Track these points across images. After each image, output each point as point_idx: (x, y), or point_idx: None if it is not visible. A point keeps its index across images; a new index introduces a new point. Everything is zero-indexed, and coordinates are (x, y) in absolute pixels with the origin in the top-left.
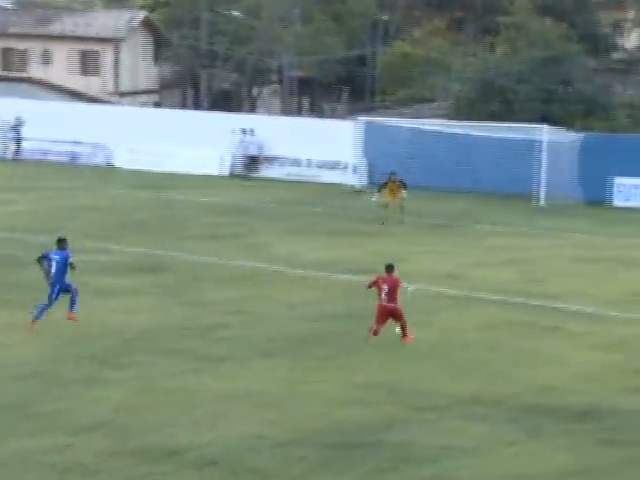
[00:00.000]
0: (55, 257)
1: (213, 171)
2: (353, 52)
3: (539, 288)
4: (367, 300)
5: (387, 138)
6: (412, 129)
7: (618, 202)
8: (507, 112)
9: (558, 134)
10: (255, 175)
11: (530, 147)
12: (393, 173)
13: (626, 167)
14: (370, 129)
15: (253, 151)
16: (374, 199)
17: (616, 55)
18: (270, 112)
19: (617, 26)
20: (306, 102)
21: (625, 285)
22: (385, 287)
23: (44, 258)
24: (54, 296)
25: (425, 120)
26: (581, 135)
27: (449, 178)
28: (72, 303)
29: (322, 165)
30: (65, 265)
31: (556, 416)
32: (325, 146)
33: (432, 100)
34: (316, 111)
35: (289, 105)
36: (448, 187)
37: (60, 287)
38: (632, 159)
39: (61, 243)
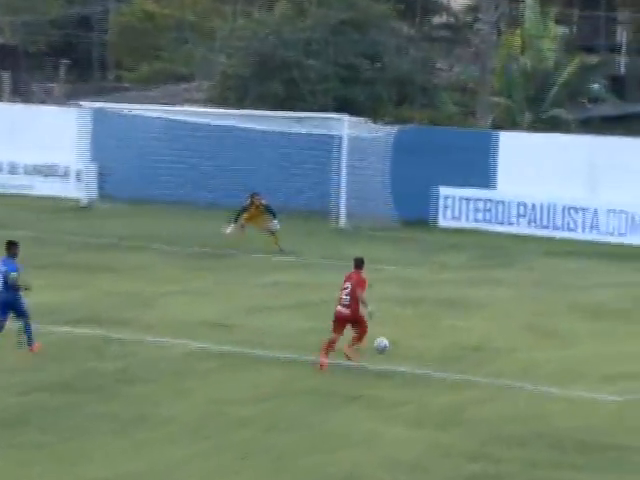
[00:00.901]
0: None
1: None
2: (74, 10)
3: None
4: (95, 363)
5: (126, 133)
6: (163, 120)
7: (444, 221)
8: (293, 96)
9: (362, 127)
10: None
11: (325, 146)
12: (256, 194)
13: (454, 173)
14: (100, 119)
15: None
16: (228, 231)
17: (439, 19)
18: None
19: None
20: (6, 80)
21: (452, 335)
22: (347, 285)
23: None
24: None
25: (180, 108)
26: (394, 129)
27: (218, 190)
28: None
29: (31, 171)
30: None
31: None
32: (36, 144)
33: (189, 78)
34: (21, 93)
35: None
36: (216, 202)
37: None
38: (462, 162)
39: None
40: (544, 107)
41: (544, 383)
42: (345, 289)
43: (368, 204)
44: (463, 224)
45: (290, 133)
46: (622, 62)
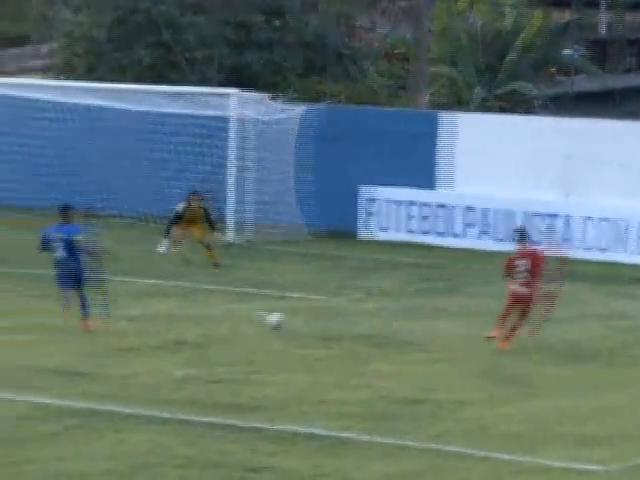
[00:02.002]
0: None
1: None
2: None
3: None
4: None
5: None
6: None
7: (368, 232)
8: (164, 65)
9: (258, 106)
10: None
11: (208, 131)
12: (195, 193)
13: (382, 168)
14: None
15: None
16: (162, 250)
17: None
18: None
19: None
20: None
21: (380, 384)
22: (521, 263)
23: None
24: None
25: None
26: (300, 107)
27: (63, 191)
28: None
29: None
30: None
31: None
32: None
33: (23, 41)
34: None
35: None
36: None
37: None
38: (393, 153)
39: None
40: (500, 79)
41: (503, 449)
42: (520, 266)
43: (268, 210)
44: (393, 236)
45: (161, 115)
46: (603, 20)
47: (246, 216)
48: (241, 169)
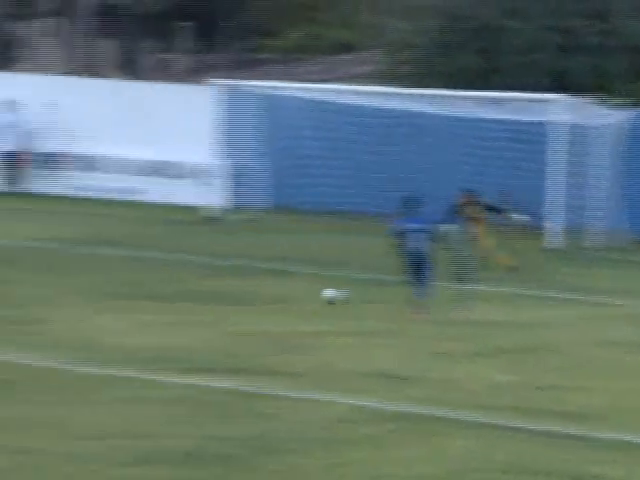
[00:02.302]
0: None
1: None
2: None
3: None
4: (224, 426)
5: (267, 120)
6: (315, 102)
7: None
8: (490, 71)
9: (585, 111)
10: (20, 189)
11: (533, 137)
12: (469, 191)
13: None
14: (238, 102)
15: (15, 143)
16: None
17: None
18: (43, 68)
19: None
20: (111, 50)
21: None
22: None
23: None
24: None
25: (338, 87)
26: (629, 113)
27: (387, 197)
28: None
29: (148, 170)
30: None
31: None
32: (152, 134)
33: (352, 48)
34: (130, 67)
35: (79, 56)
36: (385, 211)
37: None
38: None
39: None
40: None
41: None
42: None
43: (592, 215)
44: None
45: (485, 120)
46: None
47: (571, 221)
48: (569, 174)
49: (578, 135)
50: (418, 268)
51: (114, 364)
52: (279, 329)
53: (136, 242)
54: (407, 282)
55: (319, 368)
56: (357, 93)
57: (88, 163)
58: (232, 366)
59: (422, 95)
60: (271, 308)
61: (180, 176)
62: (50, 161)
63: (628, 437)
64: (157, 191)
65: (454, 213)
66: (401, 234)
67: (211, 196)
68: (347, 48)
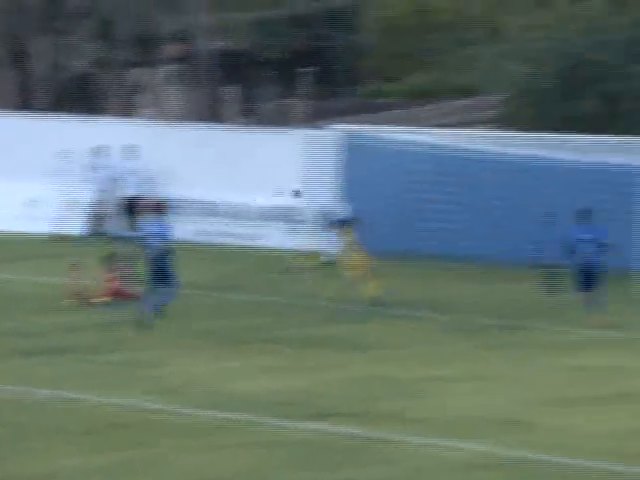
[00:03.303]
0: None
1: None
2: (319, 3)
3: None
4: (349, 471)
5: (385, 165)
6: (436, 148)
7: None
8: (612, 115)
9: None
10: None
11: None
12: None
13: None
14: (357, 148)
15: (136, 189)
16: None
17: None
18: (165, 115)
19: None
20: (233, 96)
21: None
22: None
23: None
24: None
25: (459, 132)
26: None
27: (510, 243)
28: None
29: (264, 215)
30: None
31: None
32: (270, 180)
33: (472, 92)
34: (251, 113)
35: (201, 103)
36: (510, 257)
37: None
38: None
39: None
40: None
41: None
42: None
43: None
44: None
45: (607, 165)
46: None
47: None
48: None
49: None
50: (589, 278)
51: (234, 409)
52: (398, 374)
53: (256, 287)
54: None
55: (441, 414)
56: (477, 138)
57: (207, 209)
58: (353, 411)
59: (542, 140)
60: (389, 352)
61: (300, 222)
62: (174, 207)
63: None
64: (276, 236)
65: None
66: (573, 244)
67: (330, 241)
68: (468, 92)
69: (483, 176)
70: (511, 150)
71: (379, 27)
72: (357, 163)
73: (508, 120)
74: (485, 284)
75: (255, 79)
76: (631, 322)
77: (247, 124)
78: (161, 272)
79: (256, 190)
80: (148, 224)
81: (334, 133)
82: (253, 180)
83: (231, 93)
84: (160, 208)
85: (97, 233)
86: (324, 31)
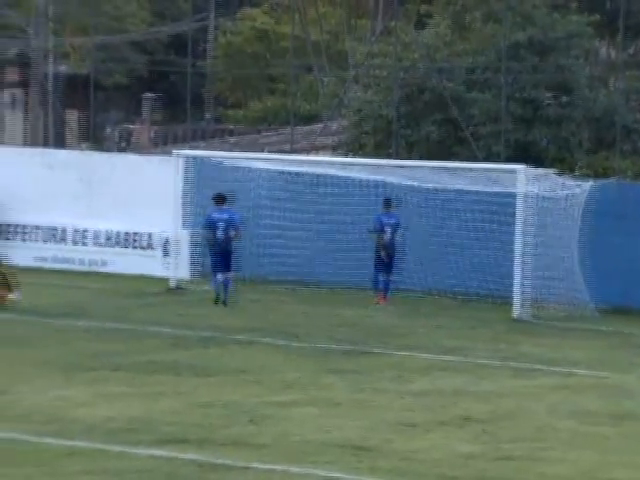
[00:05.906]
0: None
1: None
2: (162, 30)
3: None
4: None
5: (230, 190)
6: (278, 173)
7: None
8: (451, 141)
9: (545, 182)
10: None
11: (495, 208)
12: None
13: None
14: (200, 174)
15: None
16: None
17: None
18: (9, 139)
19: None
20: (73, 121)
21: None
22: None
23: None
24: None
25: (301, 157)
26: (588, 184)
27: (348, 267)
28: None
29: (105, 242)
30: None
31: None
32: (109, 205)
33: (314, 119)
34: (92, 138)
35: (44, 127)
36: (348, 281)
37: None
38: None
39: None
40: None
41: None
42: None
43: (554, 286)
44: None
45: (447, 190)
46: None
47: (534, 292)
48: (527, 245)
49: (537, 206)
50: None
51: (78, 436)
52: (242, 400)
53: (100, 313)
54: None
55: (285, 439)
56: (319, 163)
57: (51, 234)
58: (199, 437)
59: (385, 165)
60: (234, 377)
61: (146, 247)
62: (12, 232)
63: None
64: (122, 262)
65: None
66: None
67: (177, 267)
68: (311, 119)
69: (321, 200)
70: (353, 174)
71: (223, 53)
72: (200, 188)
73: (351, 146)
74: (330, 308)
75: (99, 104)
76: (475, 347)
77: (90, 149)
78: None
79: (104, 215)
80: None
81: (177, 159)
82: (104, 205)
83: (74, 117)
84: None
85: None
86: (168, 57)
